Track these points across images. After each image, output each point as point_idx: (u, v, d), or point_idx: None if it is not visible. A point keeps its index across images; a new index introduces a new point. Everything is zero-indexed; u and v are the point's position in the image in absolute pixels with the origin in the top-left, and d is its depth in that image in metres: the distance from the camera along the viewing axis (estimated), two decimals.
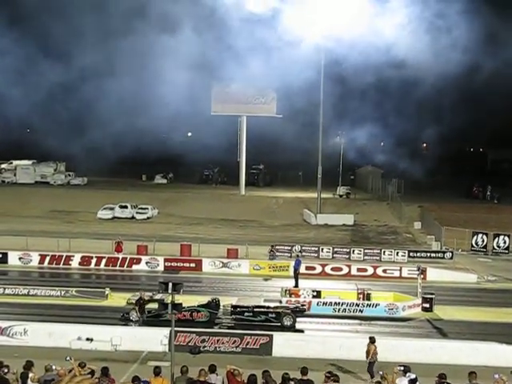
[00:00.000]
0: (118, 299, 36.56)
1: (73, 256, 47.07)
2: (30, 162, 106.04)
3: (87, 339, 28.51)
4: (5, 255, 47.23)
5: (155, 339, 28.40)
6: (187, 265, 46.57)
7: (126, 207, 68.45)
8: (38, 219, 63.53)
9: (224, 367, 19.98)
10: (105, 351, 27.71)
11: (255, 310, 33.10)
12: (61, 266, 46.64)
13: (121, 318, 33.01)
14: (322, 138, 71.94)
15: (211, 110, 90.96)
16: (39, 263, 47.00)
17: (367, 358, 25.07)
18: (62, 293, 37.73)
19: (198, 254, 48.73)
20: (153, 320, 32.28)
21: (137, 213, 68.32)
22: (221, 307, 33.74)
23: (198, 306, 33.06)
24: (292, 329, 32.30)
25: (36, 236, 52.16)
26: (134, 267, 46.65)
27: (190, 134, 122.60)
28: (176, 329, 24.08)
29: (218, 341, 28.68)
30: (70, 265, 46.76)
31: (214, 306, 33.40)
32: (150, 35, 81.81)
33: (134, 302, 33.86)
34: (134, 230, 59.57)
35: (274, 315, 32.87)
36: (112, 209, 67.89)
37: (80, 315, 33.65)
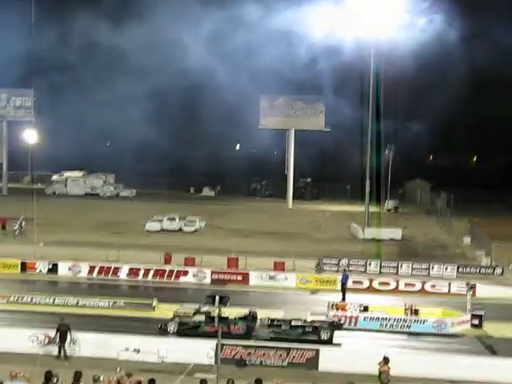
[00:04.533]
0: (165, 311, 36.70)
1: (121, 267, 47.54)
2: (80, 174, 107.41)
3: (134, 350, 28.72)
4: (55, 266, 47.95)
5: (201, 352, 28.46)
6: (234, 277, 46.67)
7: (174, 219, 68.81)
8: (88, 230, 64.27)
9: (270, 381, 19.95)
10: (151, 362, 27.88)
11: (292, 323, 32.87)
12: (109, 277, 47.14)
13: (159, 328, 33.16)
14: (370, 151, 71.56)
15: (259, 124, 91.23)
16: (88, 274, 47.58)
17: (381, 378, 24.41)
18: (110, 304, 38.13)
19: (245, 266, 48.77)
20: (190, 332, 32.37)
21: (184, 225, 68.62)
22: (258, 320, 33.57)
23: (236, 319, 32.97)
24: (329, 343, 31.98)
25: (85, 247, 52.80)
26: (182, 279, 46.88)
27: (238, 147, 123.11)
28: (222, 342, 24.13)
29: (263, 354, 28.65)
30: (118, 276, 47.23)
31: (251, 318, 33.26)
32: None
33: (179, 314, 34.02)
34: (181, 242, 59.85)
35: (311, 329, 32.58)
36: (160, 221, 68.31)
37: (128, 326, 33.93)
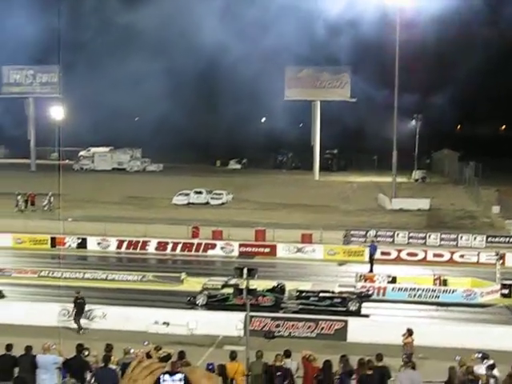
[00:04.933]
0: (193, 284, 36.93)
1: (149, 241, 47.84)
2: (107, 149, 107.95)
3: (164, 323, 28.95)
4: (84, 240, 48.38)
5: (230, 324, 28.61)
6: (262, 250, 46.76)
7: (200, 193, 68.96)
8: (115, 205, 64.66)
9: (299, 352, 20.00)
10: (181, 335, 28.08)
11: (320, 294, 32.84)
12: (138, 251, 47.48)
13: (187, 302, 33.39)
14: (396, 121, 71.05)
15: (284, 96, 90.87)
16: (117, 248, 47.97)
17: (405, 349, 24.10)
18: (139, 277, 38.42)
19: (272, 239, 48.83)
20: (219, 305, 32.54)
21: (211, 198, 68.75)
22: (286, 292, 33.62)
23: (264, 291, 32.97)
24: (357, 314, 31.91)
25: (113, 222, 53.15)
26: (209, 252, 47.07)
27: (263, 120, 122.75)
28: (251, 314, 24.23)
29: (292, 326, 28.72)
30: (146, 250, 47.56)
31: (279, 290, 33.34)
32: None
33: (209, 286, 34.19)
34: (208, 215, 60.01)
35: (339, 300, 32.53)
36: (187, 194, 68.49)
37: (156, 299, 34.21)
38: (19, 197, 62.64)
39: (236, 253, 46.62)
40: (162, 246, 47.54)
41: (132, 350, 19.56)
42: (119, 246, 48.03)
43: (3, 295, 34.15)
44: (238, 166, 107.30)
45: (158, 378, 3.62)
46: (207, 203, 68.14)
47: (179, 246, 47.41)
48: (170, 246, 47.48)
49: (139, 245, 47.79)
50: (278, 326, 28.76)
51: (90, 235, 48.88)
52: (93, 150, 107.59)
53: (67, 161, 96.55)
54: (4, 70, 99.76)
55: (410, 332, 24.38)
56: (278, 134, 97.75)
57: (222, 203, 68.42)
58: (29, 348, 18.93)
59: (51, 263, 42.67)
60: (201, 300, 33.30)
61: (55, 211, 57.29)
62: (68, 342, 21.76)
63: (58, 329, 28.42)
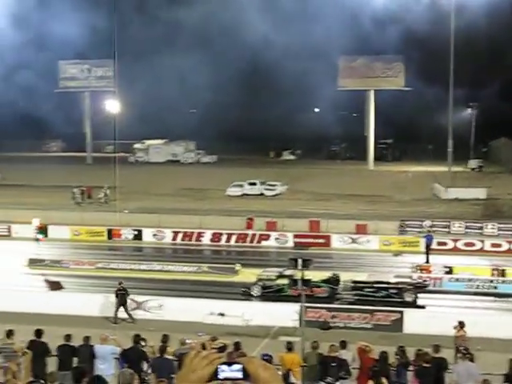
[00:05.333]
0: (248, 275, 37.01)
1: (204, 233, 48.13)
2: (161, 142, 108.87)
3: (219, 314, 29.09)
4: (140, 232, 48.91)
5: (285, 314, 28.60)
6: (316, 241, 46.62)
7: (254, 184, 69.11)
8: (170, 197, 65.19)
9: (354, 343, 19.89)
10: (236, 326, 28.17)
11: (376, 285, 32.54)
12: (193, 242, 47.81)
13: (242, 292, 33.47)
14: (452, 110, 70.08)
15: (338, 85, 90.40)
16: (172, 240, 48.36)
17: (458, 342, 23.47)
18: (195, 269, 38.69)
19: (326, 229, 48.66)
20: (273, 295, 32.55)
21: (265, 189, 68.83)
22: (341, 283, 33.42)
23: (319, 282, 32.80)
24: (413, 305, 31.54)
25: (168, 213, 53.59)
26: (264, 243, 47.17)
27: (317, 110, 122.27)
28: (306, 304, 24.19)
29: (348, 317, 28.61)
30: (201, 241, 47.87)
31: (333, 281, 33.16)
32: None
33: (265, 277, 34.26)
34: (262, 206, 60.06)
35: (395, 291, 32.17)
36: (241, 186, 68.70)
37: (212, 290, 34.39)
38: (76, 189, 63.63)
39: (290, 244, 46.61)
40: (216, 237, 47.81)
41: (188, 341, 19.69)
42: (174, 238, 48.43)
43: (61, 286, 34.71)
44: (292, 157, 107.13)
45: (217, 368, 3.62)
46: (261, 194, 68.23)
47: (234, 237, 47.62)
48: (224, 237, 47.71)
49: (194, 236, 48.13)
50: (333, 316, 28.67)
51: (146, 227, 49.40)
52: (147, 142, 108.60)
53: (122, 153, 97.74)
54: (61, 65, 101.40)
55: (461, 325, 23.67)
56: (331, 124, 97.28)
57: (276, 194, 68.42)
58: (87, 338, 19.21)
59: (108, 255, 43.34)
60: (255, 291, 33.36)
61: (111, 203, 58.06)
62: (124, 333, 22.05)
63: (115, 319, 28.88)
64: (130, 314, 29.46)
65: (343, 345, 19.74)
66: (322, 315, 28.67)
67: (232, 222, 50.16)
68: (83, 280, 36.82)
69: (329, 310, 28.98)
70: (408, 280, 33.70)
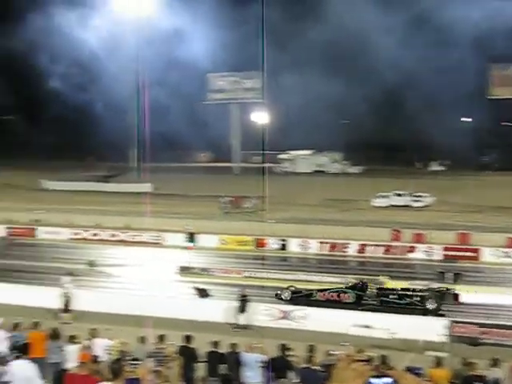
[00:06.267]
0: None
1: (349, 243, 47.89)
2: (308, 152, 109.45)
3: (365, 326, 28.82)
4: (285, 242, 49.33)
5: (432, 329, 27.95)
6: (465, 254, 45.29)
7: (401, 195, 68.19)
8: (315, 207, 65.32)
9: (505, 361, 19.13)
10: (381, 338, 27.78)
11: (400, 292, 32.47)
12: (338, 253, 47.66)
13: (275, 296, 34.07)
14: None
15: (488, 94, 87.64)
16: (317, 250, 48.42)
17: None
18: (339, 280, 38.47)
19: (476, 242, 47.17)
20: (302, 300, 33.00)
21: (412, 200, 67.70)
22: (368, 289, 33.20)
23: (345, 288, 33.30)
24: (435, 313, 31.25)
25: (313, 223, 53.69)
26: (410, 255, 46.36)
27: (466, 119, 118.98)
28: (455, 319, 23.58)
29: (499, 333, 27.57)
30: (346, 252, 47.64)
31: (360, 287, 33.22)
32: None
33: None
34: (409, 217, 59.05)
35: (418, 298, 32.07)
36: (387, 197, 67.93)
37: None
38: (224, 199, 65.02)
39: (438, 256, 45.53)
40: (362, 248, 47.46)
41: (333, 352, 19.58)
42: (320, 248, 48.47)
43: (208, 294, 35.47)
44: (440, 168, 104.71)
45: (368, 381, 3.59)
46: (408, 205, 67.12)
47: (379, 249, 47.11)
48: (370, 249, 47.29)
49: (339, 247, 47.99)
50: (483, 333, 27.71)
51: (291, 237, 49.72)
52: (293, 153, 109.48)
53: (269, 164, 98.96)
54: (209, 78, 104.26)
55: None
56: (481, 133, 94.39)
57: (424, 205, 67.09)
58: (234, 345, 19.51)
59: (254, 264, 43.90)
60: (286, 295, 34.09)
61: (257, 213, 58.87)
62: (267, 342, 22.22)
63: (260, 328, 29.21)
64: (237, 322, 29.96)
65: (495, 362, 19.01)
66: (472, 330, 27.79)
67: (378, 233, 49.64)
68: (230, 288, 37.41)
69: (479, 325, 28.04)
70: (433, 287, 32.97)
